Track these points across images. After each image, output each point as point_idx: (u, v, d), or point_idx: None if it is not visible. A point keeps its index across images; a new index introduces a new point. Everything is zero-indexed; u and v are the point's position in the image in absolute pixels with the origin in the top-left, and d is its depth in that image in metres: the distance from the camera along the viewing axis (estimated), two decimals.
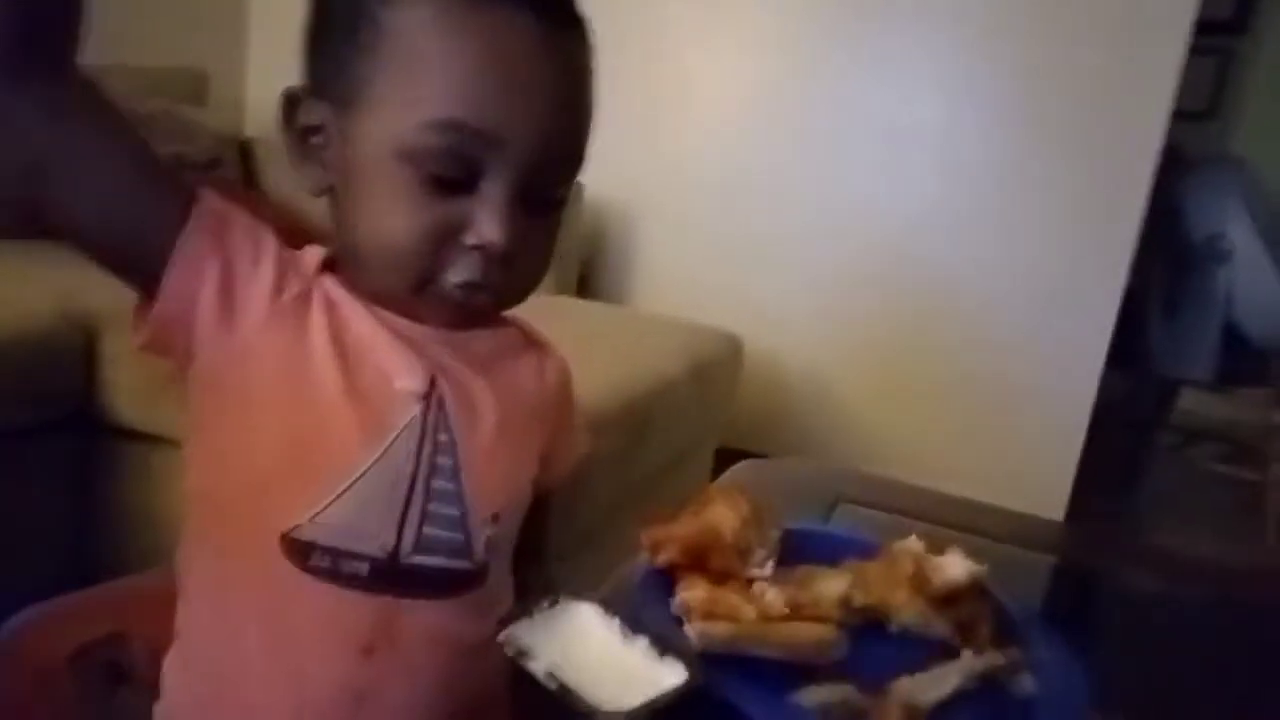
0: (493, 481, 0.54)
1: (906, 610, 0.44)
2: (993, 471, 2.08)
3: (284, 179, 2.19)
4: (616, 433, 1.30)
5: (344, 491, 0.49)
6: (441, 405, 0.53)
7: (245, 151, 2.24)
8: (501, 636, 0.41)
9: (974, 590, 0.46)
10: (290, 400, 0.50)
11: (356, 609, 0.50)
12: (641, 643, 0.39)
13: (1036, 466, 2.03)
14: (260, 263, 0.49)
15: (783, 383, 2.19)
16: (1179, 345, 2.17)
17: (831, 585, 0.44)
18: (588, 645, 0.39)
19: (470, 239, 0.48)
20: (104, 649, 0.59)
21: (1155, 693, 0.47)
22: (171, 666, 0.54)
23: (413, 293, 0.51)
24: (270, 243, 0.51)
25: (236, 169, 2.19)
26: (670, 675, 0.37)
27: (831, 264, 2.11)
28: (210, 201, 0.48)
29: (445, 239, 0.48)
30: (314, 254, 0.55)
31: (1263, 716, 0.55)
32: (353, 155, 0.49)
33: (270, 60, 2.60)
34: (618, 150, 2.07)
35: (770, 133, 2.14)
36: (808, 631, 0.40)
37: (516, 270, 0.51)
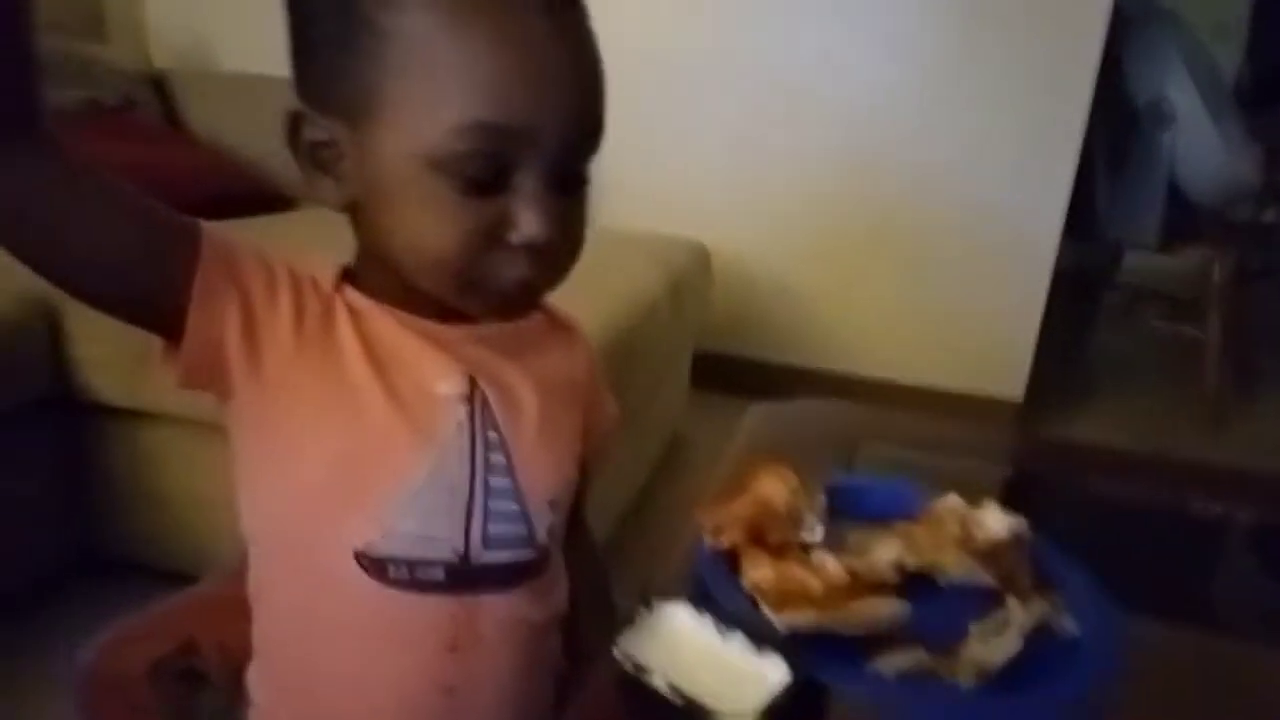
0: (544, 470, 0.56)
1: (957, 568, 0.48)
2: (958, 350, 2.16)
3: (205, 113, 2.07)
4: (608, 362, 1.31)
5: (406, 503, 0.50)
6: (485, 404, 0.54)
7: (159, 87, 2.10)
8: (616, 653, 0.43)
9: (1014, 542, 0.50)
10: (337, 422, 0.50)
11: (439, 611, 0.52)
12: (737, 638, 0.42)
13: (997, 340, 2.12)
14: (277, 294, 0.49)
15: (748, 283, 2.21)
16: (1125, 209, 2.23)
17: (884, 550, 0.48)
18: (690, 648, 0.42)
19: (515, 237, 0.47)
20: (179, 658, 0.61)
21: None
22: (259, 682, 0.57)
23: (460, 295, 0.50)
24: (281, 269, 0.50)
25: (155, 108, 2.05)
26: (773, 670, 0.39)
27: (784, 153, 2.09)
28: (215, 239, 0.47)
29: (489, 240, 0.47)
30: (328, 267, 0.54)
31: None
32: (375, 168, 0.48)
33: None
34: None
35: (714, 15, 2.07)
36: (882, 607, 0.44)
37: (560, 255, 0.51)
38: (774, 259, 2.20)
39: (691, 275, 1.77)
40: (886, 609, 0.44)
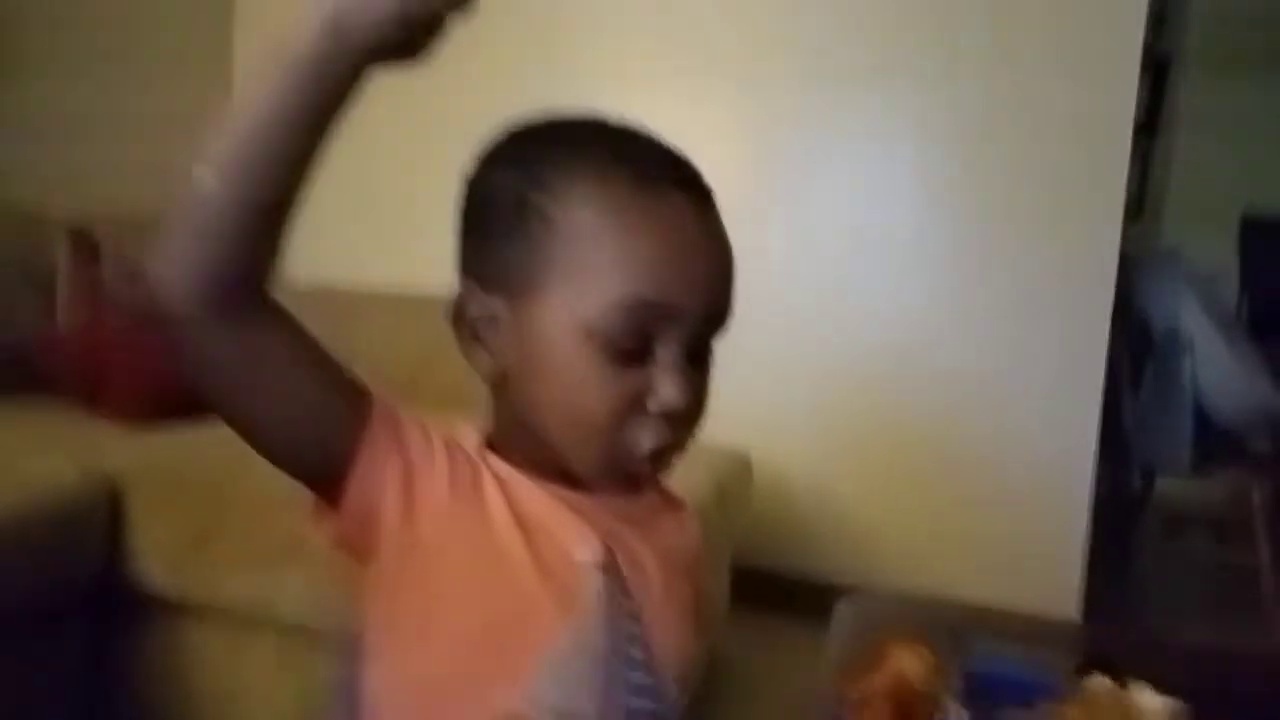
0: (672, 645, 0.55)
1: None
2: (999, 570, 2.11)
3: None
4: None
5: (551, 673, 0.49)
6: (619, 572, 0.54)
7: None
8: None
9: None
10: (486, 582, 0.50)
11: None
12: None
13: (1041, 564, 2.07)
14: (435, 457, 0.51)
15: (785, 495, 2.20)
16: (1155, 433, 2.27)
17: None
18: None
19: (654, 405, 0.50)
20: None
21: None
22: None
23: (600, 462, 0.52)
24: (437, 434, 0.52)
25: None
26: None
27: (818, 370, 2.16)
28: (382, 400, 0.50)
29: (633, 408, 0.50)
30: (472, 435, 0.56)
31: None
32: (534, 339, 0.51)
33: None
34: None
35: (757, 229, 2.23)
36: None
37: (692, 423, 0.53)
38: (809, 470, 2.21)
39: (735, 485, 1.78)
40: None
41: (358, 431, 0.48)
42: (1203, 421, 2.22)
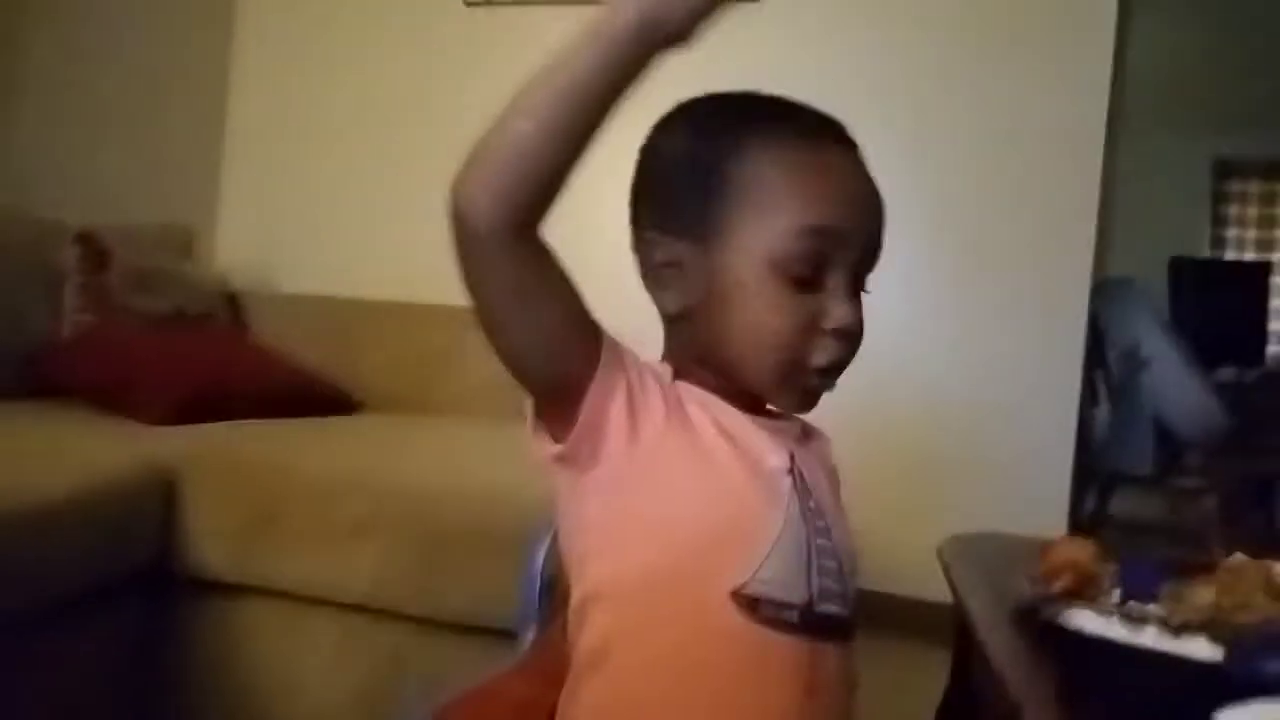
0: (847, 538, 0.62)
1: (1267, 604, 0.53)
2: None
3: (266, 330, 2.19)
4: None
5: (768, 553, 0.55)
6: (802, 476, 0.60)
7: (233, 304, 2.25)
8: None
9: None
10: (704, 484, 0.57)
11: (797, 652, 0.55)
12: None
13: None
14: (648, 385, 0.57)
15: None
16: (1119, 447, 2.44)
17: (1202, 596, 0.54)
18: None
19: (828, 324, 0.58)
20: None
21: None
22: None
23: (781, 381, 0.59)
24: (648, 366, 0.59)
25: (227, 319, 2.18)
26: None
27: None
28: (610, 336, 0.57)
29: (810, 329, 0.58)
30: (665, 369, 0.62)
31: None
32: (720, 276, 0.59)
33: (239, 218, 2.63)
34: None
35: None
36: None
37: (856, 343, 0.61)
38: None
39: None
40: None
41: (593, 357, 0.54)
42: (1163, 435, 2.40)
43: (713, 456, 0.57)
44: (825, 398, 0.63)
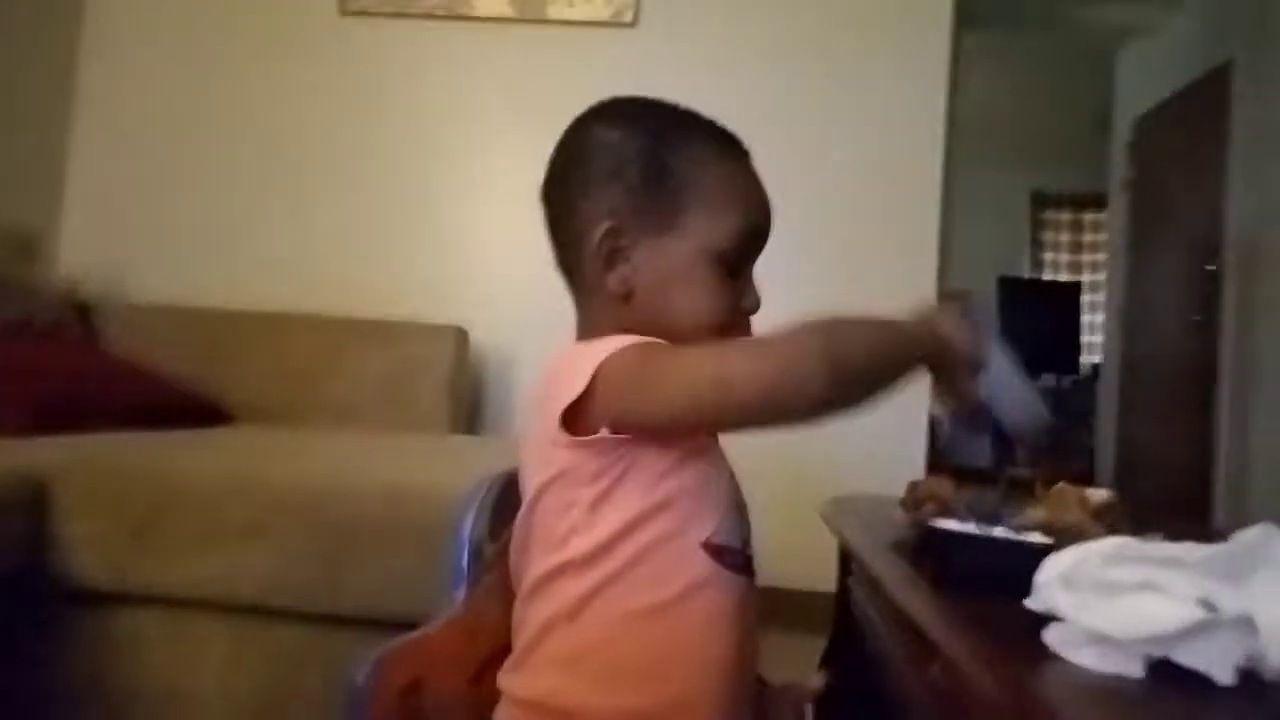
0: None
1: (1085, 526, 0.65)
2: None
3: (121, 341, 2.09)
4: None
5: (723, 508, 0.64)
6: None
7: (84, 313, 2.12)
8: None
9: (1114, 503, 0.70)
10: (693, 454, 0.64)
11: (744, 593, 0.64)
12: None
13: None
14: None
15: None
16: (959, 443, 2.69)
17: (1035, 515, 0.65)
18: None
19: (747, 305, 0.69)
20: (409, 693, 0.63)
21: None
22: (574, 692, 0.61)
23: None
24: None
25: (77, 328, 2.06)
26: None
27: None
28: None
29: (733, 309, 0.68)
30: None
31: None
32: (665, 263, 0.66)
33: (82, 224, 2.48)
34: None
35: None
36: None
37: None
38: None
39: None
40: None
41: None
42: (996, 432, 2.66)
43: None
44: None
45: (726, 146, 0.70)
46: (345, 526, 1.18)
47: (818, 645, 1.19)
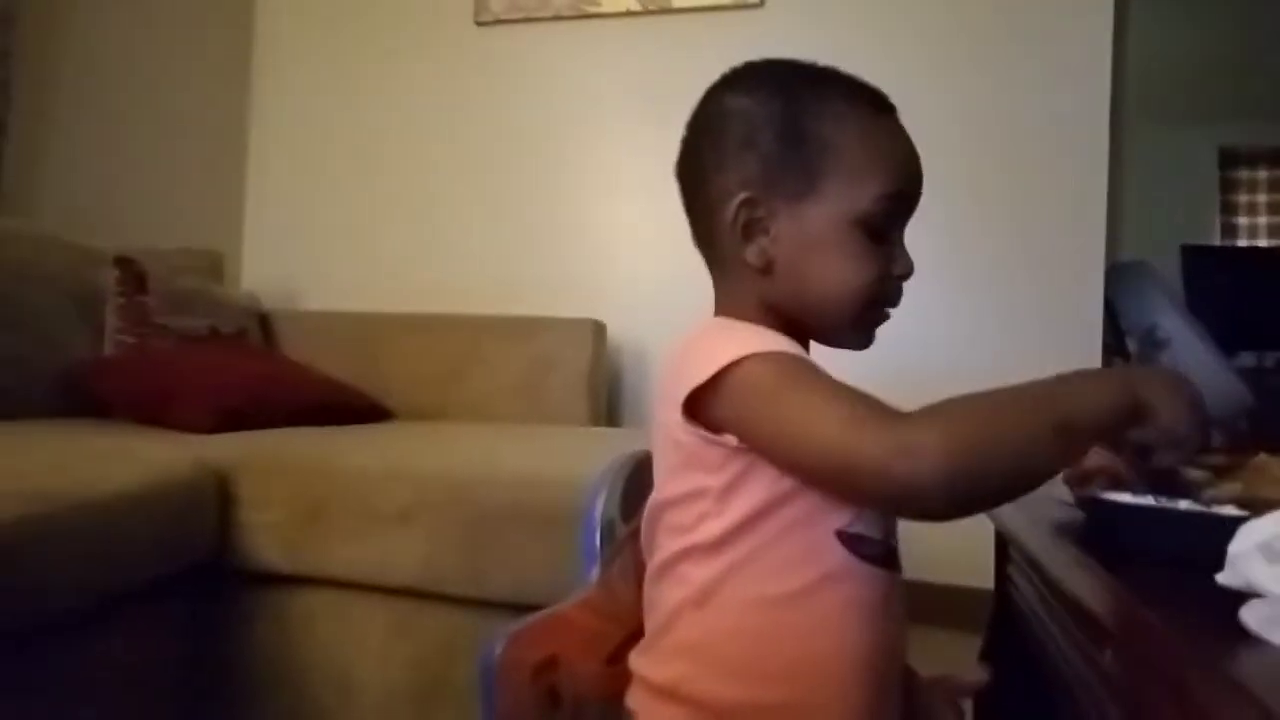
0: None
1: None
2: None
3: (295, 346, 2.26)
4: None
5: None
6: None
7: (263, 322, 2.31)
8: None
9: None
10: None
11: (886, 585, 0.61)
12: None
13: None
14: None
15: None
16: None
17: (1228, 490, 0.57)
18: None
19: (898, 270, 0.65)
20: (544, 672, 0.63)
21: None
22: (715, 685, 0.59)
23: (857, 321, 0.65)
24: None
25: (258, 336, 2.25)
26: None
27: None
28: None
29: (884, 275, 0.64)
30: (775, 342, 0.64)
31: None
32: (809, 231, 0.63)
33: (263, 241, 2.71)
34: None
35: None
36: None
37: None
38: None
39: None
40: None
41: None
42: None
43: None
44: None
45: (867, 104, 0.65)
46: (488, 513, 1.22)
47: (975, 643, 1.10)
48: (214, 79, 2.63)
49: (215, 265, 2.34)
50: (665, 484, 0.63)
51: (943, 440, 0.50)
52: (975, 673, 0.71)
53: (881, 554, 0.60)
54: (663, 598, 0.62)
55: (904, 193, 0.64)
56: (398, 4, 2.59)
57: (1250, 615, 0.38)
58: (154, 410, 1.66)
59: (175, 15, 2.44)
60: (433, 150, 2.55)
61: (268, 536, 1.28)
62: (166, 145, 2.42)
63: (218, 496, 1.29)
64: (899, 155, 0.65)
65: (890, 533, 0.62)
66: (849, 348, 0.66)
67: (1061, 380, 0.55)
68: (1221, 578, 0.41)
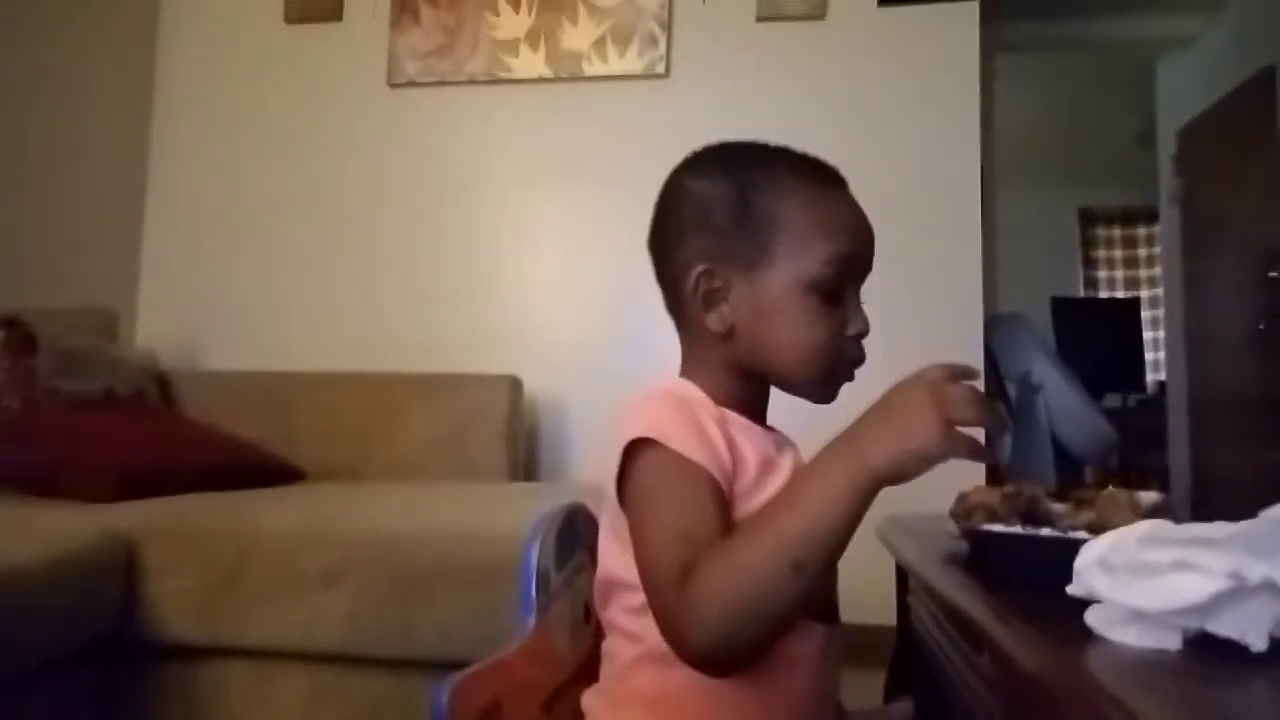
0: None
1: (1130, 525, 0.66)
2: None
3: (196, 406, 2.20)
4: None
5: None
6: None
7: (161, 382, 2.24)
8: None
9: (1163, 505, 0.70)
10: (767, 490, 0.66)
11: (826, 636, 0.66)
12: None
13: None
14: (732, 456, 0.65)
15: None
16: (1024, 464, 2.64)
17: (1082, 517, 0.66)
18: None
19: (853, 330, 0.69)
20: (491, 716, 0.66)
21: None
22: None
23: (822, 380, 0.70)
24: (710, 431, 0.65)
25: (157, 397, 2.18)
26: None
27: None
28: (721, 471, 0.64)
29: (839, 335, 0.69)
30: (693, 389, 0.71)
31: None
32: (764, 298, 0.68)
33: (160, 299, 2.64)
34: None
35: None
36: None
37: None
38: None
39: None
40: None
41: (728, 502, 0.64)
42: (1059, 452, 2.62)
43: (767, 484, 0.66)
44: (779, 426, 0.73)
45: (810, 175, 0.71)
46: (416, 571, 1.23)
47: (879, 677, 1.18)
48: (111, 128, 2.56)
49: (110, 324, 2.26)
50: (614, 554, 0.67)
51: (696, 632, 0.56)
52: (901, 707, 0.78)
53: (823, 610, 0.66)
54: (621, 651, 0.67)
55: (853, 255, 0.69)
56: (308, 64, 2.61)
57: (1093, 618, 0.47)
58: (47, 479, 1.59)
59: (72, 64, 2.39)
60: (345, 207, 2.56)
61: (178, 605, 1.25)
62: (58, 199, 2.35)
63: (124, 567, 1.25)
64: (845, 221, 0.70)
65: (831, 589, 0.68)
66: (814, 401, 0.71)
67: (790, 502, 0.57)
68: (1071, 589, 0.49)
